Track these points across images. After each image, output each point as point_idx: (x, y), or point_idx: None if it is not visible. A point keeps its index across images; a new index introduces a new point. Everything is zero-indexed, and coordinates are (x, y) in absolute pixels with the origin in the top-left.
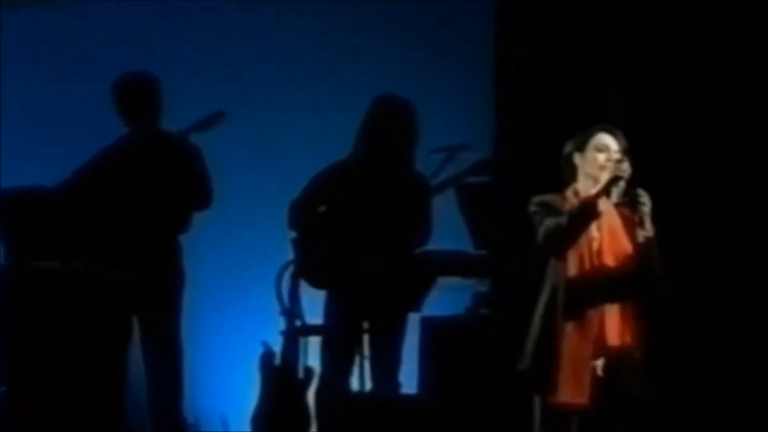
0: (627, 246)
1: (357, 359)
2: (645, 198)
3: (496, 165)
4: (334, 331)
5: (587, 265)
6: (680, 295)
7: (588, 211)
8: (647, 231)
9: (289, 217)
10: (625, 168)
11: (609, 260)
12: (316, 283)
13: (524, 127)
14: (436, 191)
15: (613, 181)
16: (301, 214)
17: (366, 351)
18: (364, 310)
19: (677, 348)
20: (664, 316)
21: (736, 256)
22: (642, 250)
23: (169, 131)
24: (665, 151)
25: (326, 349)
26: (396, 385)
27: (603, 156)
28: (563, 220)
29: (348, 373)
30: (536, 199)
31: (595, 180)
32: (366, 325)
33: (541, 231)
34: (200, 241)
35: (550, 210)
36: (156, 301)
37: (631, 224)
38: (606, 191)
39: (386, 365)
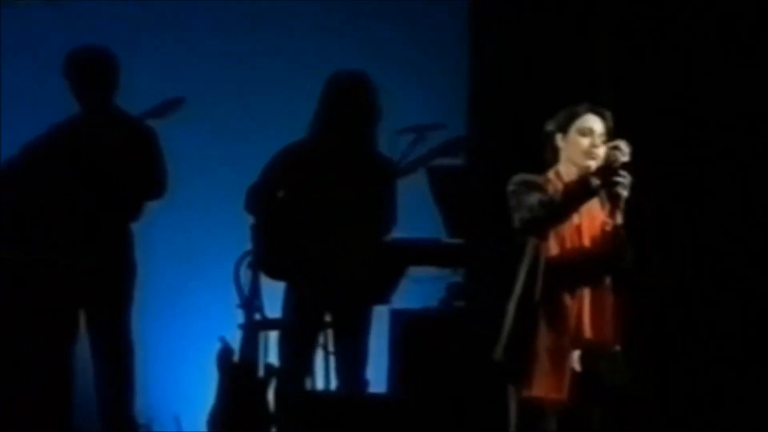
0: (605, 228)
1: (322, 355)
2: (625, 183)
3: (471, 146)
4: (293, 324)
5: (567, 246)
6: (677, 292)
7: (587, 189)
8: (615, 220)
9: (246, 202)
10: (624, 149)
11: (587, 242)
12: (274, 274)
13: (500, 105)
14: (404, 173)
15: (612, 173)
16: (258, 200)
17: (330, 346)
18: (326, 301)
19: (661, 343)
20: (632, 308)
21: (733, 254)
22: (608, 239)
23: (124, 112)
24: (654, 136)
25: (285, 344)
26: (362, 382)
27: (587, 141)
28: (555, 195)
29: (308, 370)
30: (517, 177)
31: (578, 166)
32: (328, 318)
33: (524, 209)
34: (153, 230)
35: (532, 188)
36: (105, 293)
37: (610, 207)
38: (600, 174)
39: (351, 361)
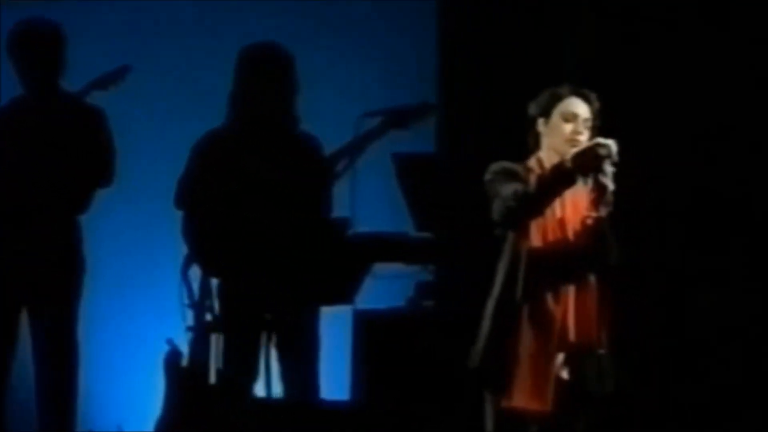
0: (586, 223)
1: (264, 359)
2: (608, 173)
3: (442, 130)
4: (230, 324)
5: (550, 239)
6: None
7: (563, 177)
8: (598, 212)
9: (174, 199)
10: (611, 150)
11: (570, 235)
12: (209, 270)
13: (473, 86)
14: (356, 148)
15: (594, 154)
16: (184, 194)
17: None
18: (265, 299)
19: (650, 345)
20: (619, 308)
21: (727, 254)
22: (590, 232)
23: (70, 93)
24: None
25: (225, 348)
26: (312, 387)
27: (569, 127)
28: (532, 183)
29: (250, 375)
30: (495, 166)
31: (561, 154)
32: (268, 317)
33: (501, 199)
34: (96, 221)
35: (511, 177)
36: (51, 290)
37: (593, 198)
38: (579, 160)
39: (296, 365)
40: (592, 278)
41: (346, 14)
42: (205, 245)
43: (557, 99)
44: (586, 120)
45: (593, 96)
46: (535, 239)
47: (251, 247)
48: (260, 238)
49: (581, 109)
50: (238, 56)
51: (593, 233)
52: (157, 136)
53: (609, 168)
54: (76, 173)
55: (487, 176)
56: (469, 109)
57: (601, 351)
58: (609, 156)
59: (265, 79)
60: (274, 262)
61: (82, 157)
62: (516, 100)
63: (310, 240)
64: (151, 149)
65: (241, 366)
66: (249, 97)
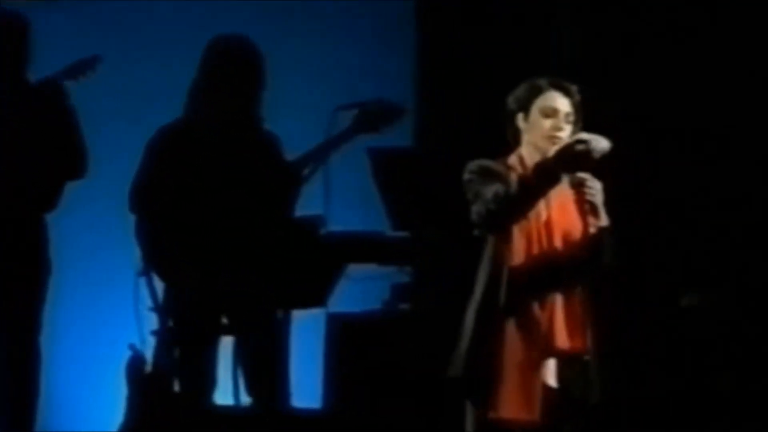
0: (577, 226)
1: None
2: (595, 187)
3: (420, 124)
4: (184, 329)
5: (535, 244)
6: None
7: (546, 176)
8: (601, 220)
9: (129, 201)
10: (591, 145)
11: (558, 240)
12: (166, 277)
13: (452, 79)
14: (331, 146)
15: (575, 153)
16: (138, 194)
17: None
18: (222, 302)
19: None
20: (612, 315)
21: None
22: (593, 240)
23: (36, 84)
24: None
25: (180, 354)
26: (281, 395)
27: (549, 123)
28: (513, 185)
29: (207, 382)
30: (474, 164)
31: (541, 151)
32: (225, 321)
33: (480, 202)
34: (59, 219)
35: (491, 177)
36: (12, 293)
37: (581, 203)
38: (563, 158)
39: (263, 372)
40: (579, 283)
41: (322, 7)
42: (157, 247)
43: (536, 93)
44: (567, 115)
45: (574, 89)
46: (519, 242)
47: (211, 247)
48: (222, 238)
49: (561, 103)
50: (205, 48)
51: (594, 241)
52: (122, 132)
53: (594, 190)
54: (44, 166)
55: (466, 175)
56: (447, 101)
57: (587, 357)
58: (589, 152)
59: (231, 74)
60: (238, 264)
61: (50, 149)
62: (496, 92)
63: (278, 240)
64: (116, 145)
65: (196, 373)
66: (213, 92)
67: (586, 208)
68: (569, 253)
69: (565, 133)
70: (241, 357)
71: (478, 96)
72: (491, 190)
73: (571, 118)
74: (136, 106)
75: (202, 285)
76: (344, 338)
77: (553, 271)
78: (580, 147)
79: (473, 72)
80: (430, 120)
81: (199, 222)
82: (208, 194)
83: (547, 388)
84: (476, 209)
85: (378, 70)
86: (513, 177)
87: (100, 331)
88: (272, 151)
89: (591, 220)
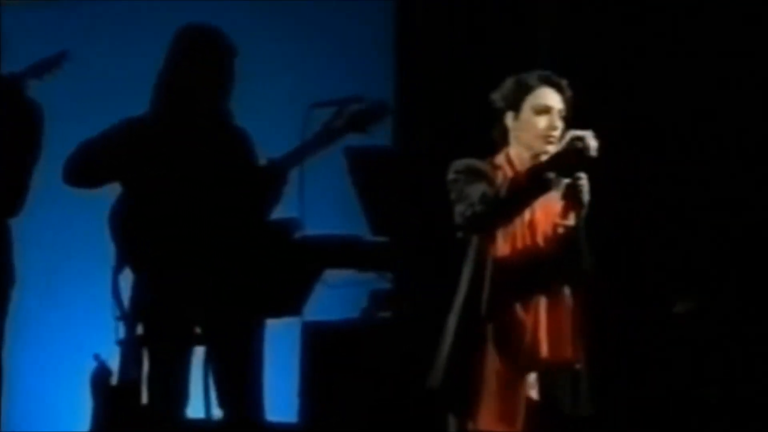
0: (557, 231)
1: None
2: (584, 185)
3: (399, 122)
4: (154, 338)
5: (519, 246)
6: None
7: (539, 182)
8: (568, 221)
9: (68, 174)
10: (587, 143)
11: (542, 241)
12: (142, 274)
13: (433, 75)
14: (308, 149)
15: (573, 152)
16: (83, 169)
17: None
18: (195, 310)
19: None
20: (600, 322)
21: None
22: (561, 241)
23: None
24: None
25: (150, 365)
26: (255, 408)
27: (543, 121)
28: (503, 188)
29: (178, 395)
30: (459, 163)
31: (533, 151)
32: (199, 330)
33: (466, 202)
34: (21, 223)
35: (478, 177)
36: None
37: (570, 202)
38: (561, 159)
39: (236, 383)
40: (565, 288)
41: (300, 4)
42: (127, 248)
43: (527, 90)
44: (560, 111)
45: (565, 84)
46: (502, 245)
47: (179, 252)
48: (190, 242)
49: (554, 100)
50: (173, 37)
51: (563, 243)
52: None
53: (582, 180)
54: (8, 169)
55: (451, 175)
56: (428, 99)
57: (577, 367)
58: (586, 149)
59: (198, 66)
60: (208, 270)
61: (14, 152)
62: (479, 90)
63: (250, 245)
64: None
65: (167, 385)
66: (179, 85)
67: (574, 207)
68: (554, 256)
69: (559, 134)
70: (212, 368)
71: (461, 93)
72: (478, 190)
73: (564, 115)
74: (108, 105)
75: (174, 292)
76: (320, 348)
77: (538, 274)
78: (579, 145)
79: (455, 69)
80: (410, 118)
81: (164, 224)
82: (174, 194)
83: (530, 401)
84: (460, 210)
85: (357, 68)
86: (502, 179)
87: (64, 339)
88: (242, 149)
89: (568, 219)
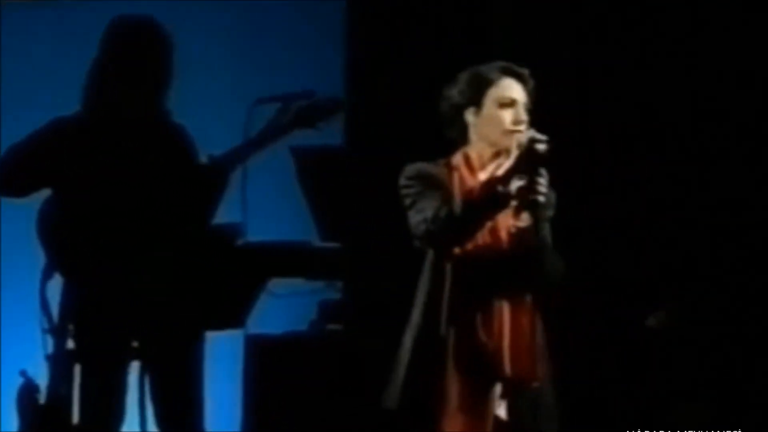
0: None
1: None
2: (543, 187)
3: (351, 120)
4: (88, 354)
5: (481, 254)
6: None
7: (496, 199)
8: (522, 220)
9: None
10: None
11: (505, 243)
12: (74, 283)
13: (386, 69)
14: (252, 148)
15: (533, 155)
16: (11, 187)
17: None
18: (136, 323)
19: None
20: (568, 335)
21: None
22: (515, 243)
23: None
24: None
25: (82, 382)
26: (195, 428)
27: (509, 115)
28: (456, 206)
29: (114, 414)
30: (411, 169)
31: (497, 147)
32: (136, 345)
33: (420, 217)
34: None
35: (431, 185)
36: None
37: (525, 201)
38: (519, 168)
39: (174, 401)
40: (527, 297)
41: None
42: (58, 256)
43: (488, 83)
44: (525, 103)
45: (527, 74)
46: (463, 254)
47: (113, 258)
48: (124, 248)
49: (518, 92)
50: (104, 30)
51: (518, 245)
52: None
53: (543, 182)
54: None
55: (402, 182)
56: (381, 94)
57: (537, 384)
58: (545, 150)
59: (133, 59)
60: (144, 278)
61: None
62: (433, 86)
63: (189, 251)
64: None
65: (101, 403)
66: (112, 80)
67: (529, 207)
68: (518, 262)
69: (526, 126)
70: (150, 384)
71: (415, 89)
72: (431, 203)
73: (528, 108)
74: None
75: (108, 302)
76: (265, 363)
77: (499, 281)
78: (541, 147)
79: (409, 64)
80: (362, 115)
81: (97, 229)
82: (107, 197)
83: (499, 419)
84: (414, 222)
85: (306, 64)
86: (456, 182)
87: None
88: (180, 148)
89: (512, 220)
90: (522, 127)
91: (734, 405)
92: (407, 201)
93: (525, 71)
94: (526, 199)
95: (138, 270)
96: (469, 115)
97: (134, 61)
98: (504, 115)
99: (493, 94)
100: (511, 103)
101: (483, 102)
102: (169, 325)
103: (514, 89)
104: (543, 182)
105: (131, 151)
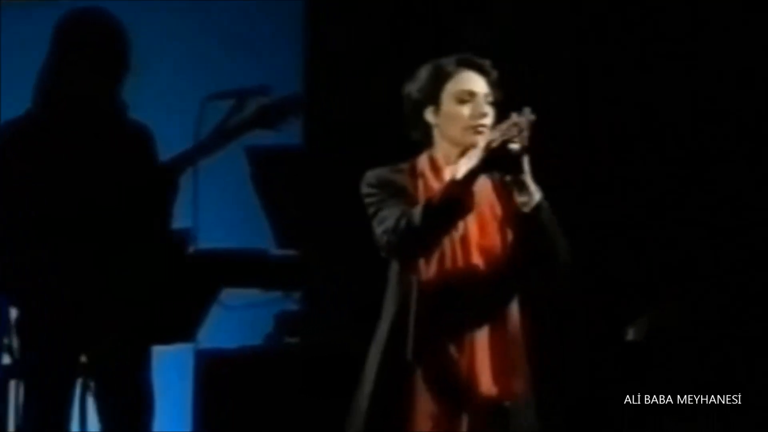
0: (498, 240)
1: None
2: (527, 179)
3: (309, 118)
4: (33, 370)
5: (450, 266)
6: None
7: (456, 206)
8: (531, 196)
9: None
10: (519, 131)
11: (477, 259)
12: (10, 297)
13: (347, 65)
14: (204, 150)
15: (499, 153)
16: None
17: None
18: (81, 337)
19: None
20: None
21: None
22: (523, 226)
23: None
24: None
25: (25, 401)
26: None
27: (468, 110)
28: (416, 213)
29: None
30: (371, 175)
31: (461, 147)
32: (85, 360)
33: (383, 228)
34: None
35: (393, 194)
36: None
37: (509, 197)
38: (484, 170)
39: (120, 419)
40: (512, 307)
41: None
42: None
43: (445, 77)
44: (486, 96)
45: (488, 64)
46: (430, 266)
47: (55, 267)
48: (67, 255)
49: (477, 84)
50: (55, 23)
51: (525, 228)
52: None
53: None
54: None
55: (364, 190)
56: (342, 93)
57: (526, 402)
58: (522, 151)
59: (86, 53)
60: (88, 288)
61: None
62: (396, 82)
63: (136, 259)
64: None
65: (44, 423)
66: (64, 75)
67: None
68: (492, 276)
69: (490, 119)
70: (95, 401)
71: (376, 88)
72: (393, 213)
73: (491, 99)
74: None
75: (53, 313)
76: (217, 380)
77: (475, 298)
78: (514, 147)
79: (369, 63)
80: (321, 114)
81: (38, 235)
82: (47, 201)
83: None
84: (378, 233)
85: (263, 61)
86: (421, 188)
87: None
88: (140, 147)
89: (518, 198)
90: (483, 121)
91: (727, 417)
92: (370, 210)
93: (485, 61)
94: (504, 157)
95: (82, 278)
96: (429, 115)
97: (88, 54)
98: (463, 111)
99: (450, 89)
100: (470, 96)
101: (441, 99)
102: (113, 339)
103: (472, 81)
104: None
105: (79, 153)
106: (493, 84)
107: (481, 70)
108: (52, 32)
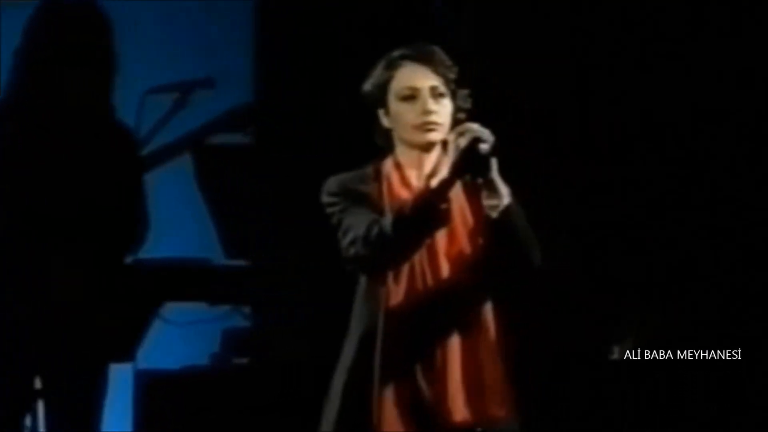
0: (468, 250)
1: None
2: (497, 183)
3: (259, 114)
4: None
5: (419, 280)
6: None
7: (433, 215)
8: (501, 199)
9: None
10: (476, 129)
11: (446, 271)
12: None
13: (301, 56)
14: (159, 158)
15: (470, 155)
16: None
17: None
18: (34, 359)
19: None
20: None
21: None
22: (493, 231)
23: None
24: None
25: None
26: None
27: (412, 108)
28: (386, 223)
29: None
30: (333, 183)
31: (416, 148)
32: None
33: (348, 239)
34: None
35: (357, 202)
36: None
37: (478, 201)
38: (459, 174)
39: None
40: (487, 320)
41: None
42: None
43: (388, 78)
44: (433, 89)
45: (437, 52)
46: (398, 281)
47: (20, 283)
48: (32, 272)
49: (420, 78)
50: (33, 12)
51: (495, 232)
52: None
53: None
54: None
55: (325, 198)
56: (295, 89)
57: (498, 428)
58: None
59: (68, 45)
60: (24, 299)
61: None
62: (350, 82)
63: (68, 270)
64: None
65: None
66: (41, 71)
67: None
68: (463, 286)
69: (442, 116)
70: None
71: (330, 87)
72: (360, 222)
73: (442, 91)
74: None
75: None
76: (159, 403)
77: (444, 313)
78: (484, 147)
79: (321, 62)
80: (273, 107)
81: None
82: (17, 205)
83: None
84: (344, 245)
85: (213, 60)
86: (386, 193)
87: None
88: (121, 152)
89: (486, 201)
90: (430, 118)
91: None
92: (333, 220)
93: (434, 50)
94: (474, 159)
95: (15, 288)
96: (383, 118)
97: (70, 46)
98: (408, 109)
99: (394, 88)
100: (412, 93)
101: (388, 99)
102: (50, 355)
103: (415, 76)
104: (497, 179)
105: (63, 152)
106: (443, 73)
107: (426, 60)
108: (30, 18)
